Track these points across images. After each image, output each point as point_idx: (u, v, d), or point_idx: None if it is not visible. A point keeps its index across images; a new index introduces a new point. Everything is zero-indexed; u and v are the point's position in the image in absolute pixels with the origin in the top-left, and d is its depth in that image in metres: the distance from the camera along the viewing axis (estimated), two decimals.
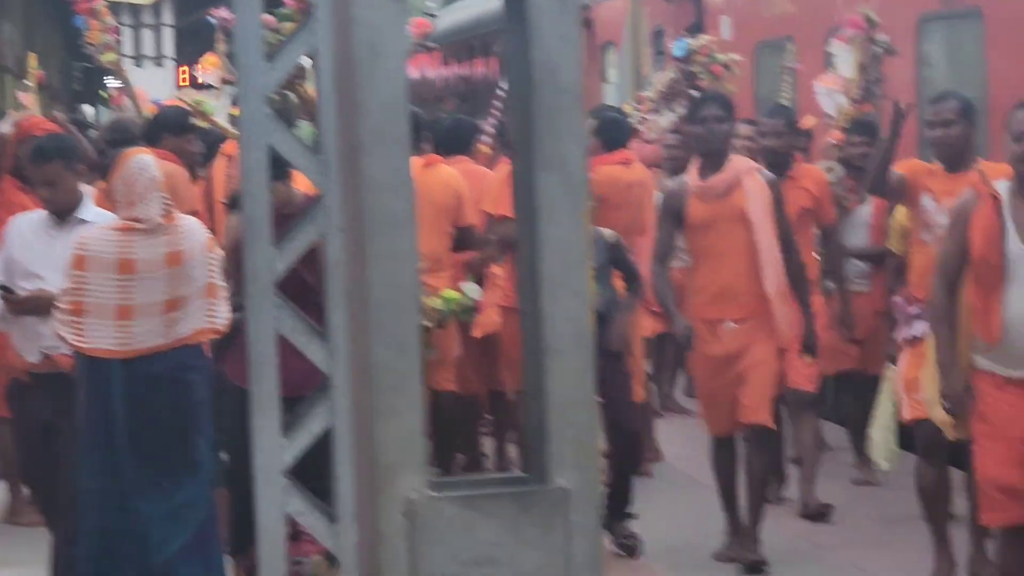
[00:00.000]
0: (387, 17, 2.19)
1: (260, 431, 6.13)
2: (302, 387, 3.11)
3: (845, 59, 8.18)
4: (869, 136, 7.74)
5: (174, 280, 5.40)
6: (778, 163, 7.22)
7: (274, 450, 5.57)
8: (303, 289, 3.85)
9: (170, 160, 6.97)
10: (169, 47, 23.87)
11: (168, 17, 23.17)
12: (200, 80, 11.08)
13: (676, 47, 10.37)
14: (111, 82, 13.09)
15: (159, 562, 5.39)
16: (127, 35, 20.50)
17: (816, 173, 7.70)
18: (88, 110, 18.52)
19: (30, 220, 5.96)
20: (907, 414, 6.16)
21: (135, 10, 21.78)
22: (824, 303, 7.38)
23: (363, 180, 2.23)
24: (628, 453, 6.84)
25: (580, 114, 2.25)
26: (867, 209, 7.79)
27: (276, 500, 5.74)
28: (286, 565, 4.63)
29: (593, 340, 2.50)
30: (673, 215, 6.60)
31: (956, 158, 6.20)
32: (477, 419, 8.25)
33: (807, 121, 8.42)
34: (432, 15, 12.10)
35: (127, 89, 10.46)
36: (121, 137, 8.08)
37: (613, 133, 8.04)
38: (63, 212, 5.74)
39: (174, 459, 5.45)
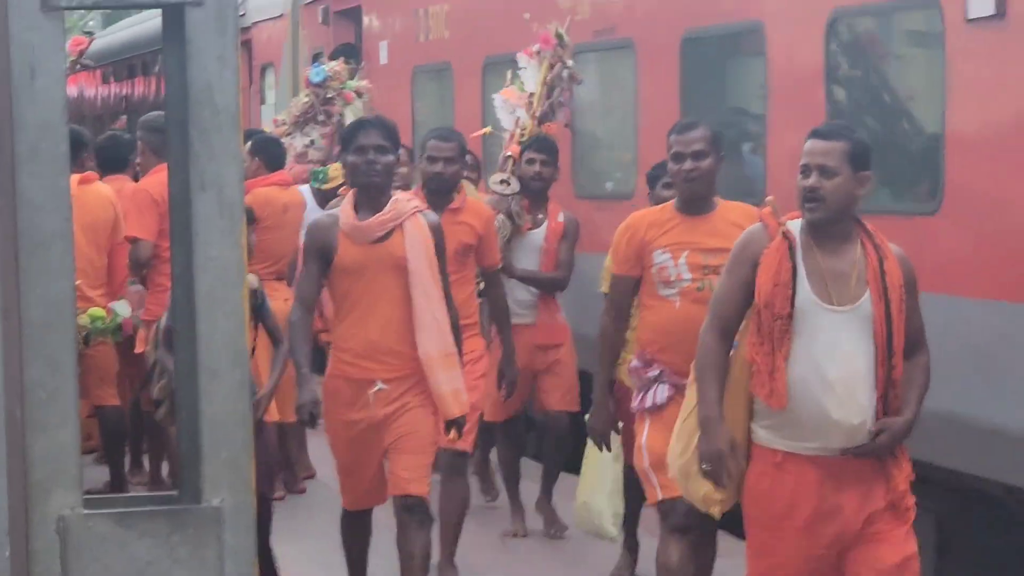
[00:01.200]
0: (44, 37, 2.25)
1: None
2: None
3: (531, 74, 8.08)
4: (548, 155, 7.47)
5: None
6: (443, 192, 6.57)
7: None
8: None
9: None
10: None
11: None
12: None
13: (313, 72, 10.70)
14: None
15: None
16: None
17: (481, 207, 6.96)
18: None
19: None
20: (656, 495, 5.42)
21: None
22: (484, 348, 6.73)
23: (18, 198, 2.27)
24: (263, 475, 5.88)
25: (237, 135, 2.33)
26: (541, 232, 7.44)
27: None
28: None
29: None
30: (320, 253, 5.68)
31: (700, 199, 5.57)
32: (124, 435, 8.14)
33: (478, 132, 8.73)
34: (91, 33, 13.97)
35: None
36: None
37: (273, 153, 8.35)
38: None
39: None
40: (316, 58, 12.89)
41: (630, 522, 6.71)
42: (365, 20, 13.12)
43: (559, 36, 8.16)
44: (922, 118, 7.16)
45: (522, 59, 8.18)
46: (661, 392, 5.41)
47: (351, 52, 12.23)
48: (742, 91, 9.03)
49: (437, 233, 5.72)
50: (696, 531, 5.39)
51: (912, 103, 7.44)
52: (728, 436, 4.62)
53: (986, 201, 6.54)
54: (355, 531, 5.93)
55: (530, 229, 7.47)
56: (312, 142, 10.16)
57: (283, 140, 9.86)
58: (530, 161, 7.46)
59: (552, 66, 8.10)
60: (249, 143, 8.50)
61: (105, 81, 19.87)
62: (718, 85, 9.03)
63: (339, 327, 5.78)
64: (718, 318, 4.76)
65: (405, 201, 5.74)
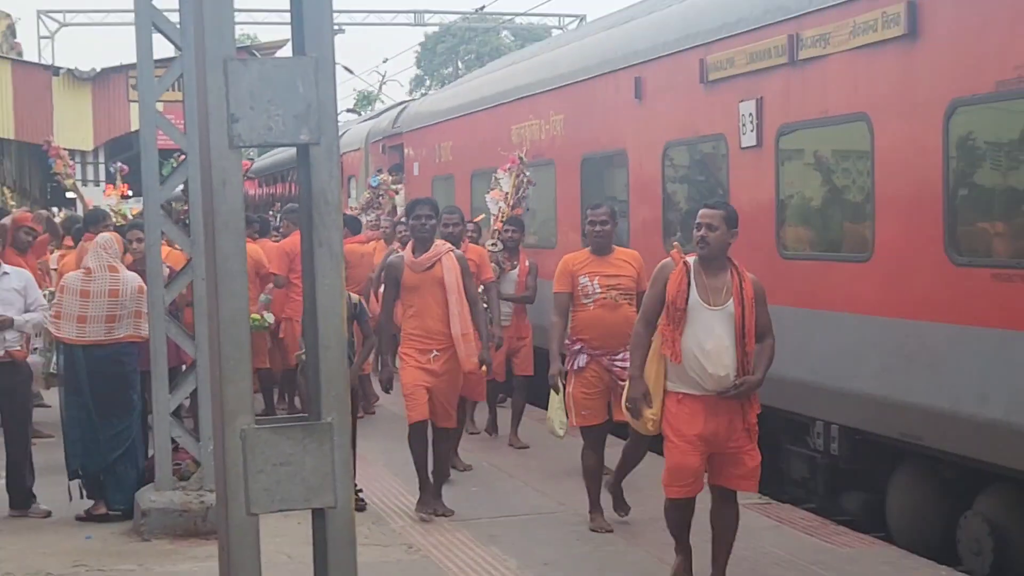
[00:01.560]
0: (230, 162, 3.27)
1: (157, 390, 8.85)
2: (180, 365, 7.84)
3: (505, 181, 13.37)
4: (517, 226, 12.46)
5: (111, 304, 9.04)
6: (453, 242, 9.78)
7: (164, 401, 8.46)
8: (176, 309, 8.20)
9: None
10: (102, 175, 31.56)
11: (102, 157, 31.25)
12: (120, 194, 17.11)
13: (372, 179, 18.19)
14: (69, 194, 22.55)
15: (109, 462, 9.08)
16: (79, 167, 28.63)
17: (479, 250, 11.61)
18: (55, 210, 25.09)
19: None
20: (576, 422, 8.77)
21: (83, 153, 29.30)
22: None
23: (216, 252, 3.32)
24: None
25: (339, 217, 3.40)
26: (515, 272, 12.28)
27: (166, 430, 8.59)
28: (171, 465, 8.45)
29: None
30: (393, 280, 9.12)
31: (606, 247, 8.80)
32: (274, 384, 13.90)
33: (478, 216, 13.84)
34: (252, 158, 27.81)
35: (80, 199, 17.39)
36: (75, 223, 14.11)
37: (353, 225, 14.28)
38: None
39: (118, 402, 9.06)
40: (378, 172, 19.76)
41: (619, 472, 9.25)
42: (406, 151, 20.45)
43: (520, 158, 13.44)
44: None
45: (500, 173, 13.49)
46: (581, 360, 8.75)
47: (399, 169, 20.28)
48: (615, 188, 13.33)
49: (462, 262, 9.17)
50: (597, 441, 8.74)
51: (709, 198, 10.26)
52: (644, 388, 7.16)
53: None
54: (416, 437, 9.05)
55: (510, 270, 12.27)
56: (376, 218, 16.83)
57: (357, 217, 16.13)
58: (506, 231, 12.40)
59: (517, 175, 13.34)
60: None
61: (260, 186, 32.13)
62: (601, 185, 13.57)
63: (408, 321, 9.05)
64: (645, 316, 7.27)
65: (442, 245, 9.14)
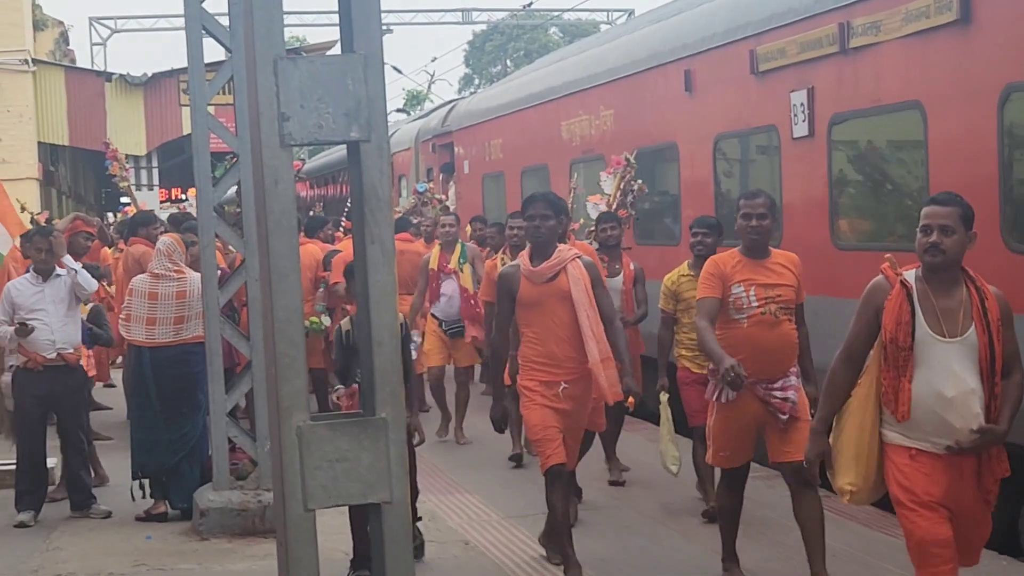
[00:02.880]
0: (281, 161, 3.33)
1: (213, 390, 9.00)
2: (237, 365, 8.27)
3: (608, 184, 11.93)
4: (615, 222, 10.40)
5: (179, 306, 9.12)
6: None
7: (220, 401, 8.61)
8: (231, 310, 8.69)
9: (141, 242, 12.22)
10: (155, 178, 34.20)
11: (155, 161, 32.98)
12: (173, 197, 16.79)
13: (419, 186, 17.55)
14: (124, 198, 21.48)
15: (173, 461, 9.18)
16: (133, 171, 29.18)
17: (586, 246, 9.85)
18: (109, 216, 25.73)
19: (23, 279, 9.58)
20: (714, 461, 7.13)
21: (137, 157, 29.82)
22: None
23: (269, 251, 3.38)
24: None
25: (390, 214, 3.45)
26: (619, 279, 9.98)
27: (222, 429, 8.74)
28: (228, 465, 8.54)
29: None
30: (507, 295, 7.34)
31: (763, 247, 6.91)
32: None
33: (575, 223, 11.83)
34: (303, 159, 25.39)
35: (133, 202, 17.18)
36: (130, 226, 13.81)
37: (401, 224, 13.61)
38: (46, 272, 9.33)
39: (184, 402, 9.10)
40: (428, 173, 20.48)
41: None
42: (456, 149, 20.53)
43: (627, 159, 11.95)
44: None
45: (602, 176, 12.09)
46: (729, 394, 6.84)
47: (450, 168, 20.59)
48: (667, 182, 13.41)
49: (592, 270, 7.36)
50: (737, 481, 7.15)
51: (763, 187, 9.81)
52: (825, 448, 5.67)
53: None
54: (560, 482, 7.27)
55: (608, 276, 9.40)
56: (416, 225, 15.46)
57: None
58: (603, 228, 10.33)
59: (622, 178, 11.84)
60: None
61: (311, 187, 32.65)
62: (653, 180, 13.16)
63: (528, 345, 7.34)
64: (849, 353, 5.59)
65: (566, 251, 7.35)
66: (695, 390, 8.44)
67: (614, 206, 11.67)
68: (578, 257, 7.36)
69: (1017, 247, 7.97)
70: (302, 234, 14.25)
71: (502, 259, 10.67)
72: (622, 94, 14.04)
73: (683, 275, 8.79)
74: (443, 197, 18.11)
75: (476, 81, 66.22)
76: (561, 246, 7.42)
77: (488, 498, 9.51)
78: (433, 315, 12.08)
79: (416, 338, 11.30)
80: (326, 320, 12.75)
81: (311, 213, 20.48)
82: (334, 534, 7.84)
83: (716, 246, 8.47)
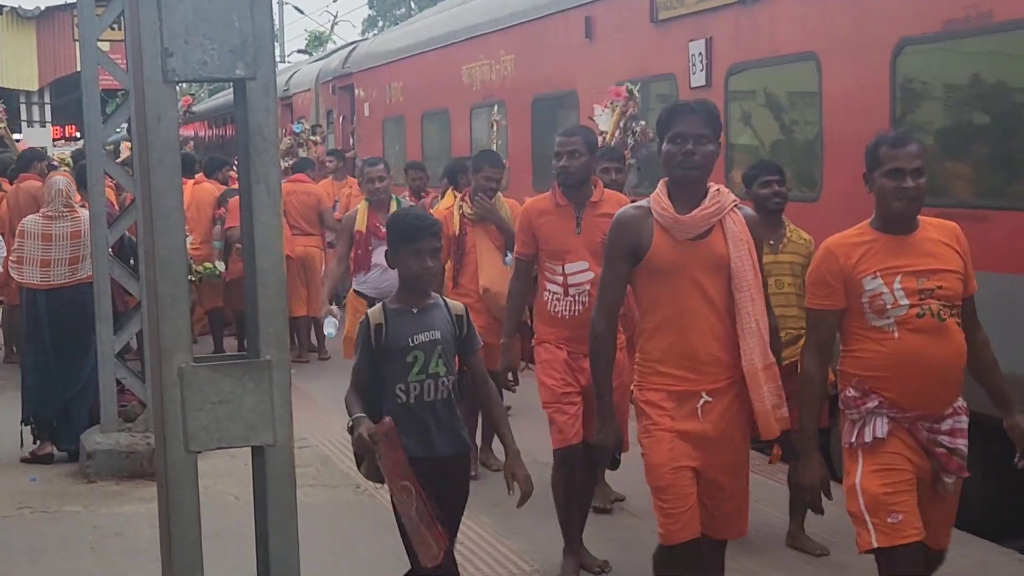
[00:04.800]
0: (164, 97, 3.24)
1: (101, 332, 8.97)
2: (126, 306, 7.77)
3: (604, 119, 9.62)
4: (619, 161, 7.93)
5: (74, 246, 8.96)
6: (574, 184, 6.46)
7: (109, 342, 8.57)
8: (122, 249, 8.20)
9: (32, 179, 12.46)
10: (48, 115, 33.54)
11: (48, 97, 32.70)
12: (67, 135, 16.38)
13: (295, 126, 17.19)
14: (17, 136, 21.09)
15: (65, 399, 9.08)
16: (24, 108, 29.98)
17: (622, 199, 6.54)
18: None
19: None
20: (871, 541, 4.64)
21: (29, 93, 29.88)
22: None
23: (151, 189, 3.30)
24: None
25: (276, 154, 3.38)
26: None
27: (110, 370, 8.68)
28: (116, 406, 8.51)
29: None
30: (628, 251, 4.87)
31: (911, 217, 4.75)
32: (226, 324, 13.76)
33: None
34: (192, 95, 22.66)
35: (11, 146, 16.30)
36: (9, 164, 13.89)
37: (302, 164, 14.14)
38: None
39: (77, 344, 8.98)
40: (300, 120, 19.35)
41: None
42: (357, 91, 20.27)
43: (629, 91, 9.63)
44: None
45: (597, 109, 9.75)
46: (880, 427, 4.68)
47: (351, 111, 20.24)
48: (565, 126, 12.23)
49: (755, 227, 4.93)
50: (913, 562, 4.61)
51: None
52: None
53: None
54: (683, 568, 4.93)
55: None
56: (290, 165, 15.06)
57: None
58: (605, 169, 7.47)
59: (621, 112, 9.51)
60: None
61: (210, 127, 32.57)
62: (553, 127, 12.69)
63: (654, 335, 4.90)
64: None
65: (726, 192, 4.90)
66: None
67: (612, 144, 9.11)
68: (737, 206, 4.93)
69: None
70: (201, 174, 14.11)
71: (459, 205, 8.52)
72: (523, 40, 14.01)
73: None
74: (319, 139, 18.08)
75: (380, 23, 65.63)
76: (715, 188, 4.92)
77: None
78: (358, 292, 9.24)
79: (333, 321, 9.29)
80: (220, 266, 12.70)
81: (215, 154, 20.87)
82: (225, 477, 7.80)
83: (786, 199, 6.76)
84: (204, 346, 13.03)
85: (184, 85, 14.09)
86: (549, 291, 6.53)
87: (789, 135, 9.78)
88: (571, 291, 6.45)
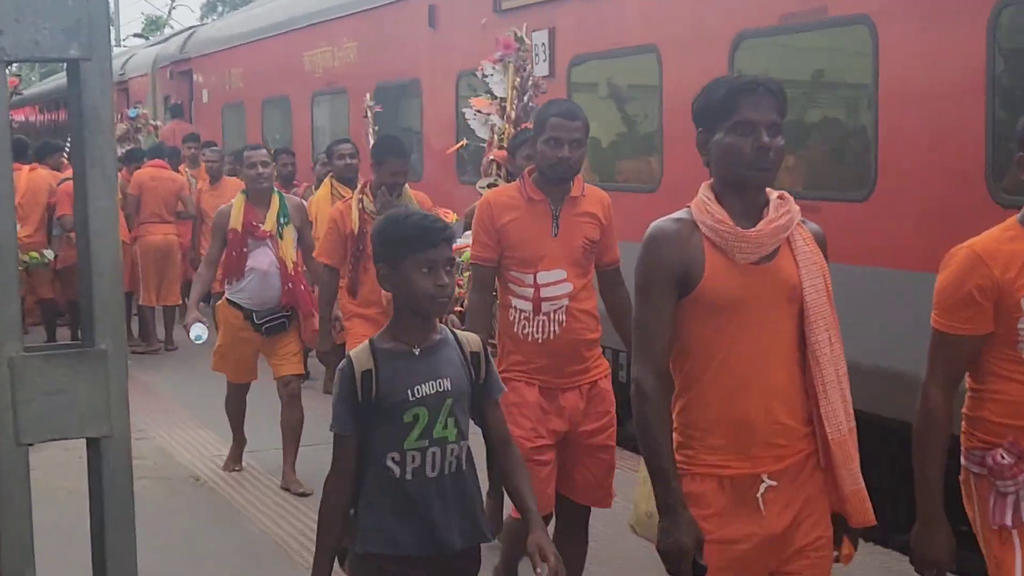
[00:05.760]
0: None
1: None
2: None
3: (498, 80, 7.42)
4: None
5: None
6: (565, 180, 5.18)
7: None
8: None
9: None
10: None
11: None
12: None
13: (131, 111, 16.66)
14: None
15: None
16: None
17: (601, 192, 5.48)
18: None
19: None
20: None
21: None
22: None
23: None
24: None
25: (112, 137, 3.11)
26: None
27: None
28: None
29: None
30: (676, 279, 3.51)
31: None
32: (57, 315, 13.40)
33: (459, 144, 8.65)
34: (18, 75, 21.63)
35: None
36: None
37: (155, 151, 13.90)
38: None
39: None
40: (136, 105, 19.13)
41: None
42: (195, 77, 20.20)
43: (518, 37, 7.44)
44: None
45: (487, 67, 7.40)
46: None
47: (178, 111, 19.92)
48: (409, 118, 13.46)
49: (825, 249, 3.69)
50: None
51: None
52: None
53: None
54: None
55: None
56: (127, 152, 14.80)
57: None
58: (529, 158, 5.75)
59: (517, 70, 7.34)
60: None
61: (42, 112, 31.76)
62: (396, 116, 13.16)
63: (700, 396, 3.55)
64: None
65: (790, 200, 3.60)
66: None
67: (514, 116, 7.38)
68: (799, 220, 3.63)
69: None
70: (36, 162, 13.79)
71: (359, 200, 7.35)
72: (366, 27, 13.94)
73: None
74: (158, 123, 17.69)
75: (220, 8, 64.62)
76: (771, 192, 3.64)
77: (222, 433, 9.35)
78: (232, 301, 8.10)
79: (202, 333, 8.01)
80: (49, 254, 12.42)
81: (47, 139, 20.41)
82: (58, 470, 7.60)
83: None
84: (36, 337, 12.67)
85: (15, 67, 13.68)
86: (515, 308, 5.19)
87: (631, 127, 9.89)
88: (545, 307, 5.14)
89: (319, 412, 7.84)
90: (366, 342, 3.73)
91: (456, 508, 3.64)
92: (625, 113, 9.98)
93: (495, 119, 7.33)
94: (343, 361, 3.68)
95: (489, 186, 6.75)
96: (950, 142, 6.74)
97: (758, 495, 3.50)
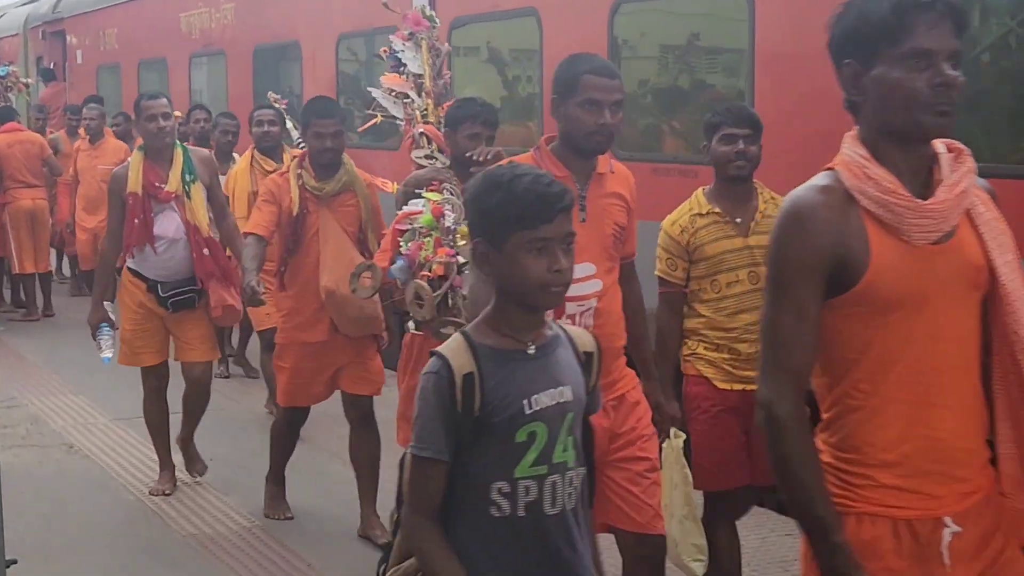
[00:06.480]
0: None
1: None
2: None
3: (411, 56, 6.53)
4: (492, 130, 5.41)
5: None
6: (601, 150, 4.24)
7: None
8: None
9: None
10: None
11: None
12: None
13: (0, 70, 15.36)
14: None
15: None
16: None
17: (627, 172, 4.51)
18: None
19: None
20: None
21: None
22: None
23: None
24: None
25: None
26: None
27: None
28: None
29: None
30: (828, 269, 2.67)
31: None
32: None
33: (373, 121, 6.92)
34: None
35: None
36: None
37: (5, 113, 12.92)
38: None
39: None
40: (8, 64, 17.32)
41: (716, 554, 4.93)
42: (68, 38, 19.70)
43: (428, 15, 6.56)
44: None
45: (396, 43, 6.48)
46: None
47: (50, 75, 19.61)
48: (291, 81, 13.03)
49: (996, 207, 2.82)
50: None
51: None
52: None
53: None
54: None
55: None
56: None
57: None
58: (474, 136, 5.28)
59: (429, 45, 6.43)
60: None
61: None
62: (276, 78, 12.89)
63: (872, 418, 2.72)
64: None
65: (965, 152, 2.78)
66: (717, 422, 4.90)
67: (435, 93, 6.45)
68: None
69: (622, 155, 8.31)
70: None
71: (298, 175, 6.32)
72: None
73: (698, 214, 5.00)
74: (29, 81, 17.06)
75: None
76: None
77: (96, 400, 9.21)
78: (135, 272, 7.03)
79: (108, 332, 6.96)
80: None
81: None
82: None
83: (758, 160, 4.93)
84: None
85: None
86: None
87: (512, 90, 9.89)
88: (569, 308, 4.15)
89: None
90: (459, 335, 2.82)
91: (568, 556, 2.82)
92: (506, 76, 9.97)
93: (413, 95, 6.43)
94: (432, 360, 2.78)
95: (426, 157, 5.87)
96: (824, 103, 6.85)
97: (942, 548, 2.69)
